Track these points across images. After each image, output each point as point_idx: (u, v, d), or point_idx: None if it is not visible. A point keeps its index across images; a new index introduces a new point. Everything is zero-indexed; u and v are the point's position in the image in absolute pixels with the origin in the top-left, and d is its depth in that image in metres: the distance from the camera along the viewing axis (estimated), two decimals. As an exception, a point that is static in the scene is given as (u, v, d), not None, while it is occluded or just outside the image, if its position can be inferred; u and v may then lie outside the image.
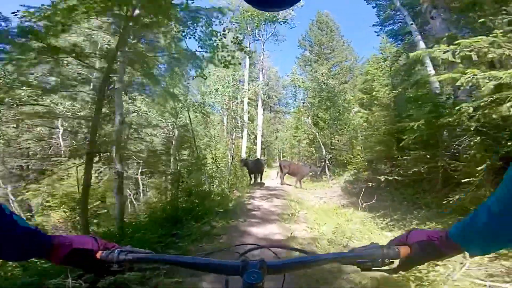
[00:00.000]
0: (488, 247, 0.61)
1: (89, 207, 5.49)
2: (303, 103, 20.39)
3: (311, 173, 15.05)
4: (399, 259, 0.71)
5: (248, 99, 20.00)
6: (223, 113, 16.24)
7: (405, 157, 7.94)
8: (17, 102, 8.52)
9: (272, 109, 39.79)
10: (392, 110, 10.57)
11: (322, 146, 18.52)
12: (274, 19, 21.25)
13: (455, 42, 5.87)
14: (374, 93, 10.92)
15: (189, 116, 13.23)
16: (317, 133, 19.05)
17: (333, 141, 20.52)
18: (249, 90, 18.00)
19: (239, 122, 19.53)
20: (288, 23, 20.99)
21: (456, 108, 5.73)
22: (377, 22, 23.39)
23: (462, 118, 5.93)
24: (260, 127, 23.23)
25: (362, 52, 52.55)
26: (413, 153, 7.51)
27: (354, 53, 29.57)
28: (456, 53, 5.95)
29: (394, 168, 10.44)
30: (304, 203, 10.29)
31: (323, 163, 19.84)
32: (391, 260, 0.69)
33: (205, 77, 7.83)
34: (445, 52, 6.12)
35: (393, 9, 20.89)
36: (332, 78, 23.15)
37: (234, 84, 15.17)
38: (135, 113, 12.70)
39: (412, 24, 13.06)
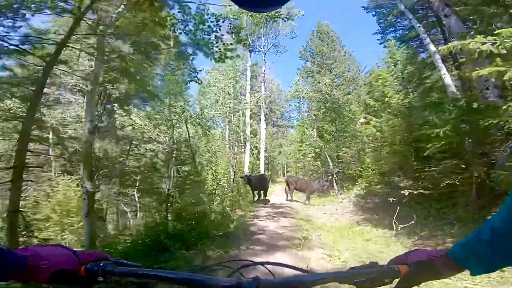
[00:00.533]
0: (490, 266, 0.59)
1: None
2: (308, 115, 19.39)
3: (320, 188, 13.86)
4: (398, 279, 0.68)
5: (250, 111, 19.12)
6: (224, 127, 15.26)
7: (432, 168, 6.81)
8: None
9: (275, 123, 38.93)
10: (408, 118, 9.51)
11: (329, 160, 17.40)
12: (277, 14, 20.70)
13: (495, 32, 5.02)
14: (386, 99, 9.88)
15: (187, 130, 12.30)
16: (323, 146, 17.96)
17: (340, 154, 19.44)
18: (251, 101, 17.08)
19: (241, 136, 18.55)
20: (292, 19, 20.24)
21: (504, 108, 4.74)
22: (378, 30, 23.09)
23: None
24: (263, 142, 22.20)
25: (364, 62, 51.91)
26: (443, 163, 6.40)
27: (356, 63, 28.87)
28: (497, 44, 5.04)
29: (414, 181, 9.32)
30: (315, 221, 9.19)
31: (330, 177, 18.69)
32: (390, 280, 0.66)
33: (199, 82, 6.87)
34: (483, 43, 5.16)
35: (394, 16, 20.46)
36: (336, 88, 22.25)
37: (235, 96, 14.26)
38: (130, 127, 11.78)
39: (419, 26, 12.25)
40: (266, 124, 28.33)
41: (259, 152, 23.67)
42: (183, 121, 10.83)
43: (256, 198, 12.92)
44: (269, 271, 0.83)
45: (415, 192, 7.45)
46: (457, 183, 6.36)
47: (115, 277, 0.66)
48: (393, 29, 22.31)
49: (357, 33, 72.34)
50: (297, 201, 13.76)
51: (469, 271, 0.62)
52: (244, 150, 19.36)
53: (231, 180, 13.65)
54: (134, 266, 0.68)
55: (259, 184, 12.50)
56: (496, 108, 6.04)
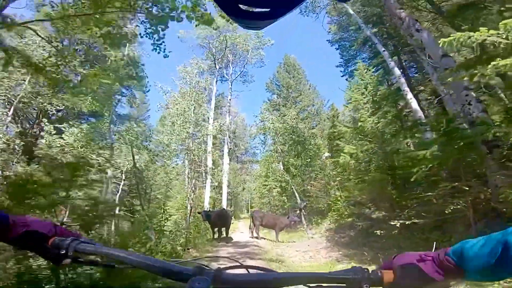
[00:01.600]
0: (491, 274, 0.52)
1: None
2: (273, 148, 18.27)
3: (290, 224, 12.26)
4: (381, 287, 0.58)
5: (213, 139, 17.47)
6: (182, 157, 13.41)
7: (428, 193, 5.70)
8: None
9: (239, 159, 37.42)
10: (383, 142, 8.60)
11: (296, 194, 16.05)
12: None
13: (501, 23, 4.28)
14: (359, 124, 8.96)
15: (133, 155, 10.33)
16: (289, 180, 16.68)
17: (306, 188, 18.26)
18: (214, 127, 15.52)
19: (201, 168, 16.70)
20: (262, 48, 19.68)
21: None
22: (340, 62, 23.65)
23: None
24: (226, 176, 20.40)
25: (327, 96, 53.46)
26: (441, 187, 5.30)
27: (320, 97, 29.09)
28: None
29: (392, 210, 8.19)
30: (288, 261, 7.59)
31: (298, 211, 17.25)
32: (371, 287, 0.56)
33: (146, 89, 5.36)
34: (489, 36, 4.36)
35: (356, 48, 21.12)
36: (301, 122, 21.68)
37: (196, 121, 12.71)
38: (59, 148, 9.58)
39: (384, 51, 12.06)
40: (230, 160, 26.78)
41: (221, 187, 21.75)
42: (127, 143, 8.92)
43: (216, 236, 10.90)
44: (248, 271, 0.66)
45: (408, 223, 6.18)
46: (459, 207, 5.22)
47: (79, 254, 0.66)
48: (353, 62, 23.05)
49: (320, 67, 76.18)
50: (264, 238, 11.96)
51: (466, 275, 0.54)
52: (205, 184, 17.40)
53: (188, 216, 11.58)
54: (102, 247, 0.67)
55: (219, 220, 10.59)
56: (483, 123, 5.38)
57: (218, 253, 7.83)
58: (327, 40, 23.71)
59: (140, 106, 36.35)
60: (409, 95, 10.31)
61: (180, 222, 12.26)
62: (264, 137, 18.81)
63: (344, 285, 0.56)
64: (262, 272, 0.62)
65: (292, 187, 16.31)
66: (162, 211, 8.49)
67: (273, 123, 17.25)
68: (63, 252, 0.64)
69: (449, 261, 0.54)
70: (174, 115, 12.61)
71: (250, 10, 0.41)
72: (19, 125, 14.74)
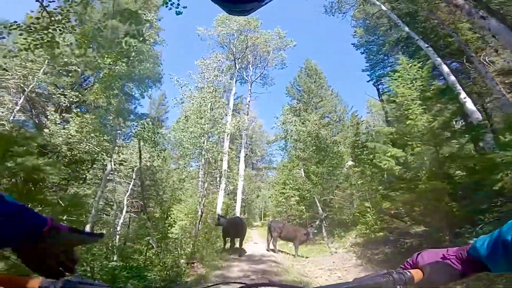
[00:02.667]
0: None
1: None
2: (294, 154, 16.67)
3: (311, 236, 10.64)
4: (412, 285, 0.58)
5: (229, 148, 16.09)
6: (196, 156, 12.03)
7: None
8: None
9: (254, 166, 35.93)
10: (439, 144, 6.90)
11: (318, 203, 14.35)
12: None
13: None
14: (409, 122, 7.28)
15: (139, 150, 9.05)
16: (311, 189, 15.03)
17: (327, 198, 16.52)
18: (231, 124, 14.07)
19: (216, 170, 15.32)
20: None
21: None
22: (367, 67, 22.04)
23: None
24: (241, 182, 18.89)
25: (350, 103, 51.34)
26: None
27: (343, 103, 27.33)
28: None
29: (452, 225, 6.52)
30: (314, 283, 5.95)
31: (318, 223, 15.52)
32: (404, 287, 0.57)
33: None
34: None
35: (384, 52, 19.57)
36: (323, 128, 19.99)
37: (212, 118, 11.37)
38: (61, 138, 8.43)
39: (428, 47, 10.39)
40: (245, 166, 25.36)
41: (235, 193, 20.26)
42: (134, 135, 7.68)
43: (227, 246, 9.37)
44: None
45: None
46: None
47: None
48: (381, 66, 21.37)
49: (340, 73, 74.36)
50: (281, 252, 10.34)
51: (491, 268, 0.54)
52: (219, 188, 15.98)
53: (198, 222, 10.15)
54: (102, 286, 0.61)
55: (232, 229, 9.03)
56: None
57: (229, 271, 6.30)
58: (351, 44, 22.46)
59: (158, 108, 35.99)
60: (463, 94, 8.61)
61: (188, 229, 10.86)
62: (284, 141, 17.20)
63: None
64: None
65: (314, 196, 14.62)
66: (166, 216, 7.10)
67: (295, 125, 15.69)
68: None
69: (472, 257, 0.55)
70: (189, 110, 11.34)
71: None
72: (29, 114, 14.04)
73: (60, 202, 5.36)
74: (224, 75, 13.82)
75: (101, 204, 16.06)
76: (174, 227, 8.87)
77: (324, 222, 14.19)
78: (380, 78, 21.37)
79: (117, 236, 9.98)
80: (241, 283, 0.66)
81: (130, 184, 15.88)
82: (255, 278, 5.80)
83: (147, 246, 6.94)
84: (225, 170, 15.34)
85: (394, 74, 9.21)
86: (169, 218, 7.43)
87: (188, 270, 6.07)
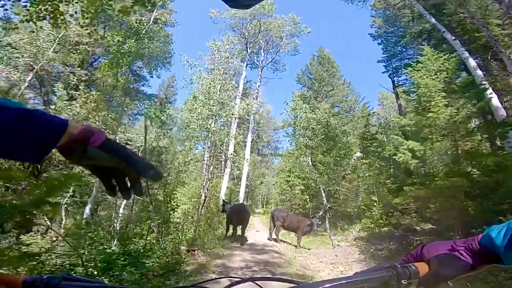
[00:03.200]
0: None
1: None
2: (303, 140, 16.22)
3: (315, 227, 10.40)
4: (417, 279, 0.54)
5: (237, 120, 15.72)
6: (202, 138, 11.70)
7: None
8: None
9: (260, 151, 35.64)
10: (461, 139, 6.44)
11: (323, 193, 14.04)
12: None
13: None
14: (430, 115, 6.78)
15: (145, 128, 8.77)
16: (317, 178, 14.69)
17: (334, 188, 16.19)
18: (240, 107, 13.62)
19: (222, 154, 15.04)
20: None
21: None
22: (383, 58, 21.37)
23: None
24: (246, 167, 18.62)
25: (362, 93, 50.38)
26: None
27: (355, 93, 26.56)
28: None
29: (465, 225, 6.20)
30: (316, 277, 5.68)
31: (321, 214, 15.27)
32: (409, 281, 0.53)
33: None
34: None
35: (402, 44, 18.94)
36: (334, 117, 19.43)
37: (220, 100, 10.95)
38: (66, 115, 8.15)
39: (455, 39, 9.72)
40: (251, 151, 25.07)
41: (240, 178, 20.03)
42: (141, 114, 7.36)
43: (230, 233, 9.18)
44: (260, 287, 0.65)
45: None
46: None
47: None
48: (399, 58, 20.74)
49: (355, 64, 72.73)
50: (284, 242, 10.14)
51: (504, 261, 0.51)
52: (223, 172, 15.75)
53: (200, 207, 9.93)
54: (87, 282, 0.57)
55: (236, 216, 8.76)
56: None
57: (230, 261, 6.07)
58: (369, 34, 21.62)
59: (167, 90, 35.57)
60: (489, 90, 8.03)
61: (190, 213, 10.67)
62: (293, 128, 16.74)
63: (377, 284, 0.52)
64: (292, 285, 0.54)
65: (320, 185, 14.29)
66: (169, 199, 6.85)
67: (306, 112, 15.19)
68: None
69: (483, 248, 0.52)
70: (197, 91, 10.94)
71: None
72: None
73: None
74: (236, 58, 13.25)
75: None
76: (177, 211, 8.65)
77: (328, 213, 13.93)
78: (396, 70, 20.80)
79: (119, 219, 9.85)
80: (237, 277, 0.64)
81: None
82: (257, 270, 5.57)
83: (148, 230, 6.75)
84: (231, 154, 15.01)
85: (417, 64, 8.63)
86: (172, 201, 7.15)
87: (188, 257, 5.85)
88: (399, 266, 0.54)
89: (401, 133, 8.46)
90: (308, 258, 8.21)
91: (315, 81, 26.29)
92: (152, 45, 10.72)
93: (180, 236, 7.23)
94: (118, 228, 7.70)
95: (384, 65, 21.05)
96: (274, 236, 9.92)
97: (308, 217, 11.64)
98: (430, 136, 6.76)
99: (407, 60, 18.52)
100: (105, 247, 4.95)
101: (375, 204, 11.73)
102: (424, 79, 7.92)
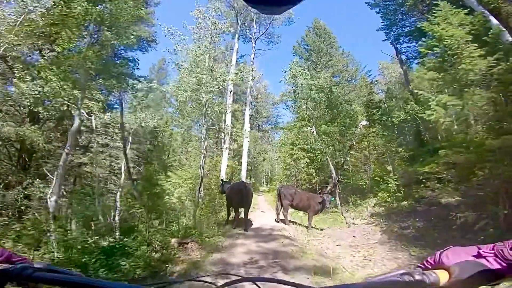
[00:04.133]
0: None
1: None
2: (305, 109, 14.76)
3: (327, 204, 9.27)
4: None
5: (232, 110, 14.26)
6: (194, 111, 10.25)
7: None
8: None
9: (260, 127, 34.20)
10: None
11: (331, 166, 12.79)
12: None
13: None
14: (461, 66, 5.35)
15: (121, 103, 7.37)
16: (323, 149, 13.42)
17: (341, 160, 14.99)
18: (235, 73, 12.02)
19: (219, 128, 13.71)
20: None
21: None
22: (382, 26, 20.28)
23: None
24: (246, 142, 17.29)
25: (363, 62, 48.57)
26: None
27: (355, 62, 24.76)
28: None
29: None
30: (340, 269, 4.55)
31: (330, 188, 14.14)
32: None
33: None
34: None
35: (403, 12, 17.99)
36: (335, 86, 17.87)
37: (211, 66, 9.45)
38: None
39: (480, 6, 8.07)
40: (251, 128, 23.65)
41: (240, 155, 18.78)
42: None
43: (232, 217, 7.98)
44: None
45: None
46: None
47: (35, 283, 0.53)
48: (400, 26, 19.68)
49: (352, 33, 69.58)
50: (294, 223, 9.00)
51: None
52: (222, 148, 14.48)
53: (198, 189, 8.72)
54: (65, 274, 0.55)
55: (235, 196, 7.47)
56: None
57: (230, 254, 4.87)
58: (365, 3, 20.04)
59: (158, 72, 33.98)
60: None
61: (189, 196, 9.50)
62: (293, 97, 15.22)
63: None
64: None
65: (327, 157, 13.04)
66: (150, 183, 5.58)
67: (306, 78, 13.65)
68: (14, 282, 0.52)
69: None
70: (182, 61, 9.43)
71: None
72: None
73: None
74: (224, 22, 11.52)
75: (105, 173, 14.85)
76: (171, 196, 7.43)
77: (337, 187, 12.80)
78: (399, 37, 19.54)
79: (117, 211, 8.71)
80: (236, 275, 0.62)
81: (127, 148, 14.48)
82: (265, 265, 4.39)
83: (138, 221, 5.57)
84: (227, 125, 13.61)
85: (436, 18, 7.16)
86: (157, 186, 5.91)
87: (178, 253, 4.66)
88: (417, 272, 0.49)
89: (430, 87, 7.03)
90: (323, 241, 7.08)
91: (312, 52, 24.53)
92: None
93: (175, 226, 6.06)
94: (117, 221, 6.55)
95: (385, 33, 19.83)
96: (281, 217, 8.76)
97: (315, 192, 10.48)
98: (466, 90, 5.36)
99: (408, 27, 17.94)
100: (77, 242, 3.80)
101: (390, 174, 10.55)
102: (447, 31, 6.48)
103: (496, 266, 0.47)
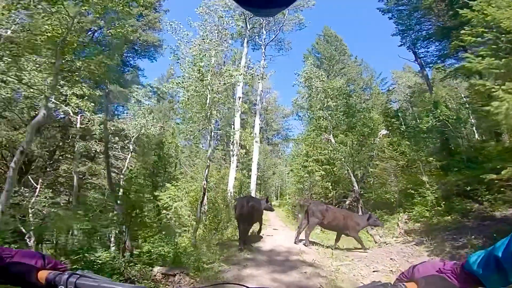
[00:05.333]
0: (504, 280, 0.50)
1: None
2: (321, 115, 13.31)
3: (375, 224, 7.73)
4: None
5: (241, 120, 12.98)
6: (197, 116, 8.94)
7: None
8: None
9: (270, 141, 32.80)
10: None
11: (353, 177, 11.22)
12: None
13: None
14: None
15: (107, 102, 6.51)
16: (343, 159, 11.87)
17: (361, 172, 13.38)
18: (244, 74, 10.69)
19: (226, 137, 12.37)
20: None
21: None
22: (397, 31, 19.48)
23: None
24: (256, 154, 15.82)
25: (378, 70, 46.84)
26: None
27: (370, 69, 23.41)
28: None
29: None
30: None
31: (352, 202, 12.49)
32: None
33: None
34: None
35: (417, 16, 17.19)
36: (350, 95, 16.50)
37: (216, 61, 8.28)
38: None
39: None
40: (261, 141, 22.29)
41: (249, 169, 17.31)
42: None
43: (241, 237, 6.41)
44: None
45: None
46: None
47: None
48: (418, 29, 18.75)
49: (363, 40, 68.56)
50: (315, 244, 7.37)
51: (486, 284, 0.52)
52: (230, 158, 13.09)
53: (199, 203, 7.25)
54: (107, 282, 0.58)
55: (243, 212, 5.97)
56: None
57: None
58: (377, 9, 19.65)
59: (167, 81, 33.37)
60: None
61: (189, 211, 8.05)
62: (308, 102, 13.80)
63: None
64: None
65: (347, 168, 11.49)
66: (139, 197, 4.19)
67: (322, 80, 12.31)
68: (60, 285, 0.56)
69: (467, 272, 0.54)
70: (184, 55, 8.26)
71: None
72: None
73: None
74: (231, 16, 10.47)
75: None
76: (166, 211, 6.02)
77: (359, 201, 11.17)
78: (416, 41, 18.57)
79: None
80: (242, 285, 0.66)
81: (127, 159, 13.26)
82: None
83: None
84: (238, 129, 12.24)
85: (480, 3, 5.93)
86: (143, 199, 4.51)
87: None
88: (390, 285, 0.58)
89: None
90: (354, 266, 5.48)
91: (324, 60, 23.41)
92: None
93: (165, 247, 4.62)
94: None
95: (400, 38, 18.96)
96: (302, 236, 7.11)
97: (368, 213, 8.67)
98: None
99: (425, 31, 17.34)
100: None
101: (426, 186, 8.90)
102: (502, 13, 5.17)
103: (453, 281, 0.54)
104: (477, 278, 0.52)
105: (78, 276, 0.56)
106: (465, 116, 13.71)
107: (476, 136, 14.62)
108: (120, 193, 4.68)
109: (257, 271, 4.31)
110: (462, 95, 16.87)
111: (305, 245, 6.71)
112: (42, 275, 0.57)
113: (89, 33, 13.28)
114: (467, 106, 15.35)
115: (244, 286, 0.64)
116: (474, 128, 14.61)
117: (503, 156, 6.85)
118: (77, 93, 7.70)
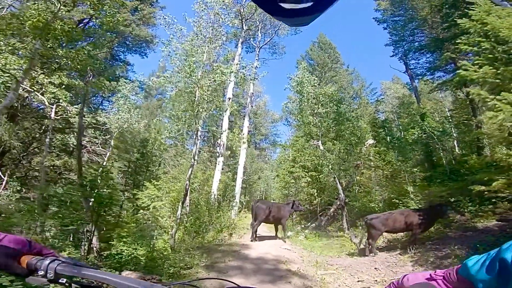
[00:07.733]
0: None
1: None
2: (311, 120, 13.12)
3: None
4: None
5: (229, 122, 12.67)
6: (183, 116, 8.53)
7: None
8: None
9: (257, 145, 32.51)
10: None
11: (339, 185, 11.06)
12: None
13: None
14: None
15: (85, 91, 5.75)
16: (330, 166, 11.70)
17: (346, 180, 13.27)
18: (236, 69, 10.40)
19: (213, 137, 12.00)
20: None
21: None
22: (389, 42, 19.84)
23: None
24: (243, 157, 15.46)
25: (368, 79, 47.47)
26: None
27: (360, 78, 23.66)
28: None
29: None
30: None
31: (335, 210, 12.35)
32: None
33: None
34: None
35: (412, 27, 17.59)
36: (341, 102, 16.55)
37: (208, 58, 7.97)
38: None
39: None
40: (248, 145, 21.96)
41: (235, 171, 16.92)
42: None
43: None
44: None
45: None
46: None
47: (60, 275, 0.56)
48: (411, 39, 19.13)
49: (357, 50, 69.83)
50: (289, 249, 7.09)
51: None
52: (216, 160, 12.69)
53: (180, 203, 6.84)
54: (89, 269, 0.57)
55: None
56: None
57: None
58: (373, 18, 20.09)
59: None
60: None
61: (168, 212, 7.61)
62: (299, 106, 13.58)
63: None
64: None
65: (334, 176, 11.34)
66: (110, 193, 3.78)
67: (314, 85, 12.18)
68: (41, 273, 0.55)
69: (459, 278, 0.53)
70: (175, 51, 7.88)
71: (293, 7, 0.35)
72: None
73: None
74: (228, 14, 10.19)
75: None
76: (143, 211, 5.60)
77: (344, 209, 11.00)
78: (407, 53, 18.94)
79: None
80: (233, 282, 0.64)
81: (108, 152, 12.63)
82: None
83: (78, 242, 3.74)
84: (226, 130, 11.89)
85: (478, 12, 5.95)
86: (114, 195, 4.10)
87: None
88: None
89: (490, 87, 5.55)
90: (338, 276, 5.23)
91: (317, 66, 23.49)
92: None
93: (139, 249, 4.19)
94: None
95: (393, 48, 19.27)
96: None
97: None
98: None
99: (417, 42, 17.71)
100: None
101: (412, 196, 8.82)
102: (502, 22, 5.18)
103: (443, 287, 0.54)
104: (468, 283, 0.51)
105: (60, 262, 0.55)
106: (449, 130, 13.87)
107: (457, 149, 14.85)
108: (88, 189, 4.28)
109: (242, 280, 3.95)
110: (447, 109, 17.20)
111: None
112: (25, 259, 0.56)
113: (80, 25, 12.71)
114: (450, 120, 15.72)
115: (229, 281, 0.63)
116: (455, 141, 14.87)
117: (489, 169, 6.85)
118: (56, 82, 7.17)
